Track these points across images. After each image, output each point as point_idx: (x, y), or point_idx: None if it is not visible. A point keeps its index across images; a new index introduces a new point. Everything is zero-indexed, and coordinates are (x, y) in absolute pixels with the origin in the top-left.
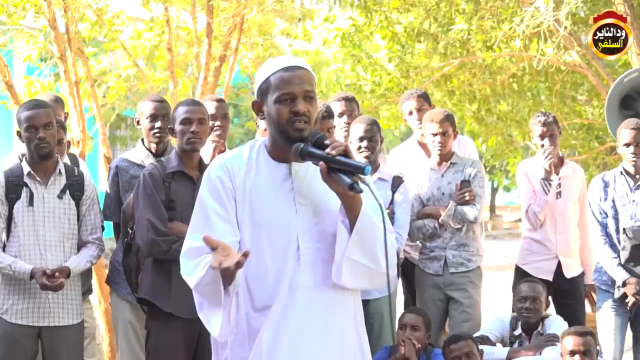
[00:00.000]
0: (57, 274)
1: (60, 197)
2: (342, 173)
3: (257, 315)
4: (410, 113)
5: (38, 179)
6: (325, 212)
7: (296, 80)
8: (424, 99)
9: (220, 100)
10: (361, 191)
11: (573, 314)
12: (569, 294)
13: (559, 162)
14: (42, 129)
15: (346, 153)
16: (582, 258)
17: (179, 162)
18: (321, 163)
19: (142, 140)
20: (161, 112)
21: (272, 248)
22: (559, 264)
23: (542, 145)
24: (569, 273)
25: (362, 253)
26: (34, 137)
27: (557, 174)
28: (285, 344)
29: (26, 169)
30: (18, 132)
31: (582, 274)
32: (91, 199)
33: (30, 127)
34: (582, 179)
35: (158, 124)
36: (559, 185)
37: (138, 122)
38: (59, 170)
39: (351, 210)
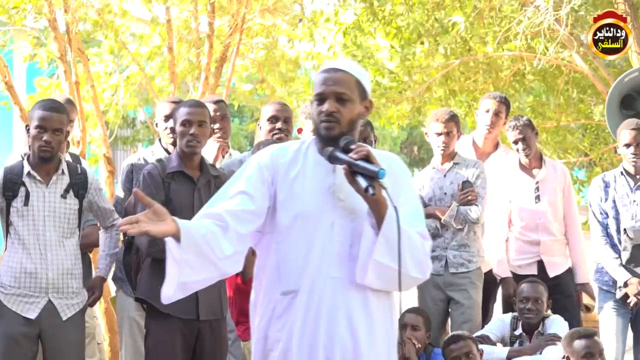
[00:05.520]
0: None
1: (64, 196)
2: (362, 177)
3: (282, 299)
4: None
5: (39, 178)
6: (362, 212)
7: (329, 81)
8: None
9: (218, 102)
10: (374, 194)
11: (563, 309)
12: (555, 290)
13: (537, 164)
14: (50, 133)
15: (367, 157)
16: (572, 258)
17: (179, 162)
18: (344, 167)
19: (160, 139)
20: None
21: (306, 237)
22: (543, 263)
23: (517, 150)
24: (552, 272)
25: (390, 256)
26: (40, 138)
27: (533, 177)
28: (310, 328)
29: (27, 168)
30: (27, 127)
31: (569, 270)
32: (95, 189)
33: (40, 127)
34: (563, 177)
35: (171, 123)
36: (537, 189)
37: (157, 124)
38: (62, 170)
39: (377, 213)
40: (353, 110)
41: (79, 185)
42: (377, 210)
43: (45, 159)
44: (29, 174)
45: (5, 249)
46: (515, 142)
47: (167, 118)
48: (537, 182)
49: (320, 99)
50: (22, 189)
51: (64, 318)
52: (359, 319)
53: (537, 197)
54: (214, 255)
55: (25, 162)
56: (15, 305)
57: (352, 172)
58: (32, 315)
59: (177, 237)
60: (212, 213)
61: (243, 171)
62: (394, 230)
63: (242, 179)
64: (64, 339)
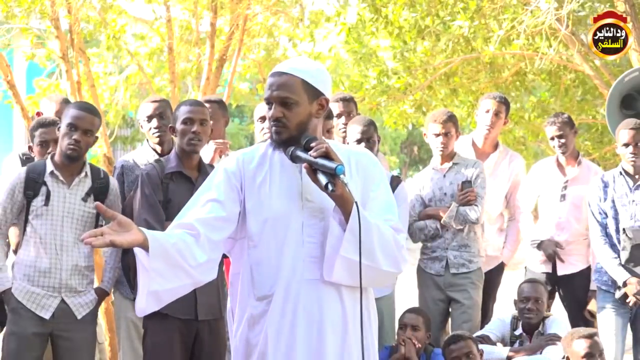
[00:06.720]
0: None
1: (84, 199)
2: (322, 174)
3: (258, 304)
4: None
5: (61, 178)
6: (331, 210)
7: (273, 86)
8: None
9: (205, 103)
10: (334, 191)
11: (569, 308)
12: (564, 291)
13: (572, 163)
14: (81, 133)
15: (326, 154)
16: (593, 262)
17: (178, 162)
18: (305, 165)
19: (148, 140)
20: (157, 112)
21: (276, 240)
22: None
23: (554, 147)
24: (561, 271)
25: (357, 251)
26: (70, 136)
27: (564, 174)
28: (287, 331)
29: (49, 167)
30: (57, 126)
31: (582, 274)
32: (115, 196)
33: (71, 126)
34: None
35: (154, 123)
36: (565, 187)
37: (142, 125)
38: (85, 172)
39: (343, 209)
40: (301, 112)
41: (99, 189)
42: (343, 206)
43: (71, 158)
44: (52, 173)
45: (20, 247)
46: (552, 138)
47: (150, 118)
48: (566, 181)
49: (268, 103)
50: (44, 189)
51: (79, 317)
52: (336, 319)
53: (563, 197)
54: (186, 263)
55: (49, 161)
56: (30, 303)
57: (314, 170)
58: (47, 315)
59: (145, 246)
60: (184, 223)
61: (212, 179)
62: (363, 225)
63: (211, 187)
64: (77, 339)
